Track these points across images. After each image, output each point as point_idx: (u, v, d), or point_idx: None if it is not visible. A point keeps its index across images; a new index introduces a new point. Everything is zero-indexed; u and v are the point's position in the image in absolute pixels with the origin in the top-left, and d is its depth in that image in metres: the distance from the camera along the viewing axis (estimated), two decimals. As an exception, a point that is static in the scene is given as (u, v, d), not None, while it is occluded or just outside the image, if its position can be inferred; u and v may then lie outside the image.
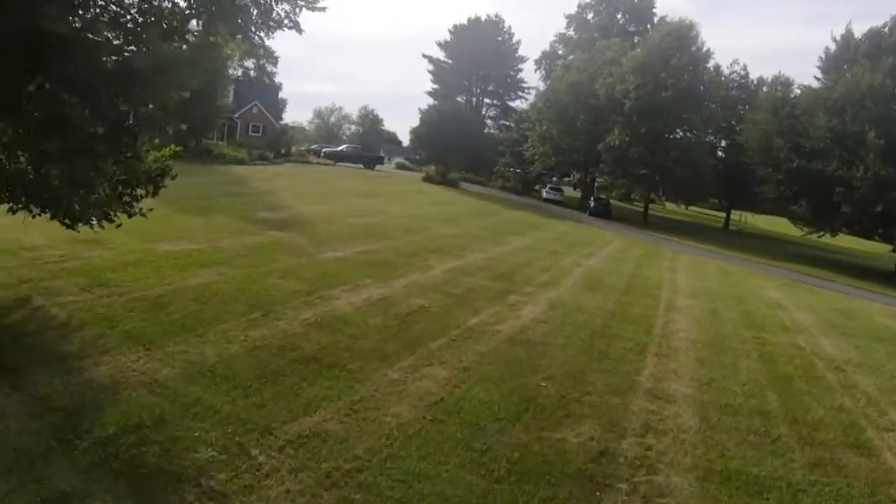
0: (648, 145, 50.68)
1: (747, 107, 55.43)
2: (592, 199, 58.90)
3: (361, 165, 59.16)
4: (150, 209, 12.59)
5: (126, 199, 12.08)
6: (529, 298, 15.53)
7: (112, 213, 12.05)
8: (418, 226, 26.85)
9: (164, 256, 16.21)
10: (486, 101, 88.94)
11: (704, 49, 52.80)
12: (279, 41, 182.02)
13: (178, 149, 13.45)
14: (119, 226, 12.43)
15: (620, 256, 28.42)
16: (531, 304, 14.87)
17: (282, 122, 73.66)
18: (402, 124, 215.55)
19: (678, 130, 54.47)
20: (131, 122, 10.58)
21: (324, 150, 63.97)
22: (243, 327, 10.87)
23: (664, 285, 21.52)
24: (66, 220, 11.28)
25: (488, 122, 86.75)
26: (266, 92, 68.22)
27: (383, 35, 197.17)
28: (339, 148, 65.67)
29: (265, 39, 11.19)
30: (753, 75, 61.18)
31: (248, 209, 25.80)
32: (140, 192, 12.30)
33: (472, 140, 65.22)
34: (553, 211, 51.54)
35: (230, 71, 61.52)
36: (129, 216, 12.29)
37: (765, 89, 56.05)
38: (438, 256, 19.86)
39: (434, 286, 15.50)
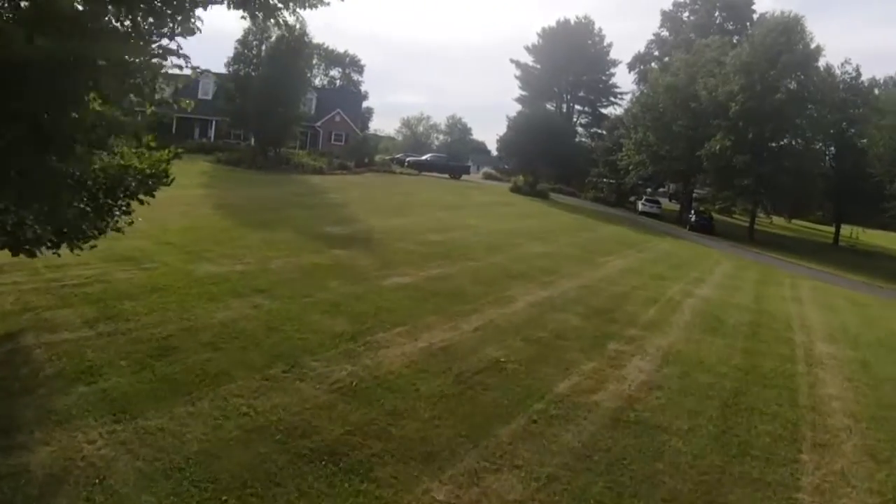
0: (755, 153, 46.01)
1: (860, 110, 50.01)
2: (693, 212, 54.34)
3: (447, 175, 56.58)
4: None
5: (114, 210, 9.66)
6: (635, 347, 12.18)
7: (91, 231, 9.59)
8: (503, 243, 23.84)
9: (200, 280, 13.85)
10: (577, 107, 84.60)
11: (814, 45, 47.46)
12: (364, 51, 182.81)
13: (178, 150, 10.89)
14: (94, 247, 10.04)
15: (734, 283, 24.53)
16: (638, 357, 11.51)
17: (366, 131, 72.23)
18: (490, 134, 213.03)
19: (786, 136, 49.40)
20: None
21: (407, 159, 61.78)
22: (252, 391, 8.14)
23: (794, 324, 17.68)
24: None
25: (579, 129, 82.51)
26: (350, 100, 66.62)
27: (472, 42, 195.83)
28: (424, 157, 63.36)
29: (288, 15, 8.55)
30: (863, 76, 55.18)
31: (315, 223, 23.47)
32: (122, 203, 9.84)
33: (563, 148, 61.77)
34: (650, 225, 47.51)
35: (313, 79, 60.50)
36: (100, 232, 9.84)
37: (876, 91, 50.56)
38: (523, 284, 16.76)
39: (514, 328, 12.41)
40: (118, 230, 10.27)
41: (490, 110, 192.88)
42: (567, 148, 63.65)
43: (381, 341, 10.45)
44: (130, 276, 14.02)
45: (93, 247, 10.26)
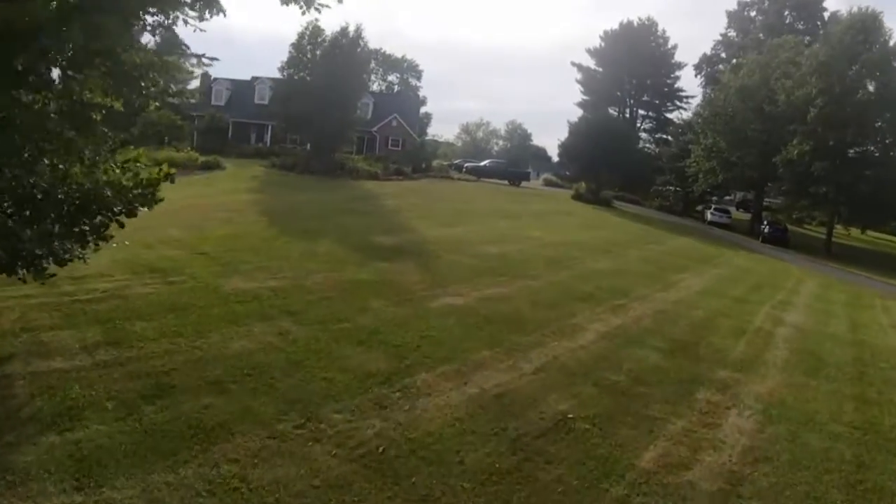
0: (834, 160, 42.60)
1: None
2: (766, 223, 50.94)
3: (506, 182, 54.64)
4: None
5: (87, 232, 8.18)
6: (729, 396, 9.96)
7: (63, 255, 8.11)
8: (565, 257, 21.81)
9: (226, 298, 12.33)
10: (641, 112, 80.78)
11: (892, 43, 43.38)
12: (424, 58, 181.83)
13: (171, 172, 9.37)
14: (53, 276, 8.57)
15: (823, 306, 21.90)
16: (735, 411, 9.29)
17: (423, 137, 70.88)
18: (550, 139, 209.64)
19: (867, 142, 45.61)
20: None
21: (466, 164, 60.05)
22: (253, 454, 6.43)
23: (903, 359, 15.25)
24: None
25: (643, 135, 79.03)
26: (407, 105, 65.12)
27: (532, 47, 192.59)
28: (482, 163, 61.49)
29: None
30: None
31: (364, 232, 21.89)
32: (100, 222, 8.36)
33: (627, 155, 59.08)
34: (720, 237, 44.61)
35: (370, 83, 59.20)
36: (61, 265, 8.36)
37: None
38: (590, 307, 14.73)
39: (583, 367, 10.39)
40: (81, 258, 8.74)
41: (550, 115, 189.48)
42: (631, 154, 60.93)
43: (422, 386, 8.60)
44: (151, 291, 12.60)
45: (51, 275, 8.73)
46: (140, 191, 8.53)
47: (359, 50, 43.23)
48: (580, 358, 10.80)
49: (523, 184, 56.52)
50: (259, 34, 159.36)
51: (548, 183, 65.16)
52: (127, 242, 15.40)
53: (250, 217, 23.06)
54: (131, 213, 8.94)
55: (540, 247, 23.33)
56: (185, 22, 8.81)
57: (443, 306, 13.06)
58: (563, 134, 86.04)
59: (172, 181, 9.23)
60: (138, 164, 8.84)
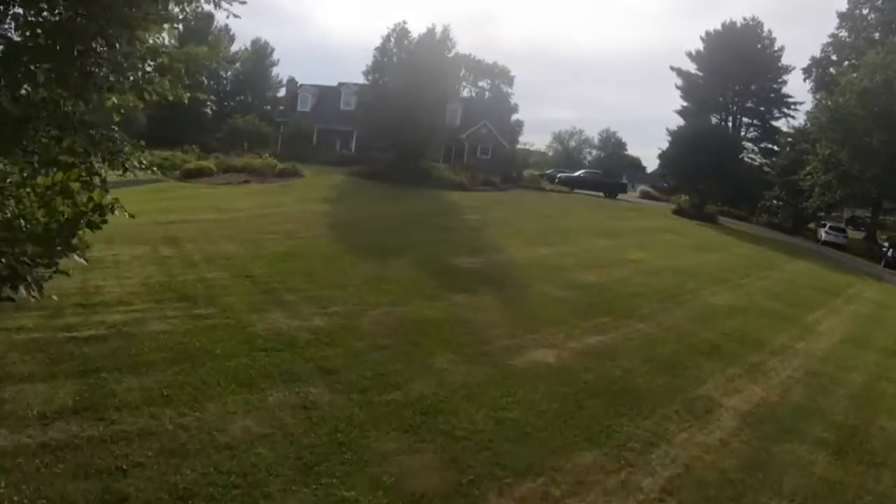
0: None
1: None
2: (889, 244, 45.07)
3: (601, 193, 50.85)
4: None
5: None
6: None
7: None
8: (677, 288, 18.26)
9: (253, 343, 9.69)
10: (745, 119, 74.54)
11: None
12: (513, 66, 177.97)
13: (114, 202, 6.73)
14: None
15: None
16: None
17: (514, 145, 67.68)
18: (645, 149, 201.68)
19: None
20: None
21: (558, 175, 56.51)
22: None
23: None
24: None
25: (746, 144, 72.70)
26: (498, 112, 61.84)
27: (626, 53, 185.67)
28: (576, 173, 57.80)
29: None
30: None
31: (444, 251, 19.02)
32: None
33: (732, 166, 54.13)
34: (838, 260, 39.41)
35: (459, 89, 56.50)
36: None
37: None
38: (720, 368, 11.24)
39: (729, 486, 7.02)
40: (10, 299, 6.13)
41: (643, 124, 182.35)
42: (736, 165, 55.91)
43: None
44: (166, 329, 10.10)
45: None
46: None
47: (447, 52, 40.57)
48: (720, 465, 7.38)
49: (619, 196, 52.64)
50: (352, 40, 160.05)
51: (644, 195, 60.86)
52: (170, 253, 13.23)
53: (317, 230, 20.58)
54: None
55: (645, 274, 19.82)
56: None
57: (530, 365, 9.93)
58: (658, 143, 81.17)
59: (112, 211, 6.42)
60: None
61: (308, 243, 18.27)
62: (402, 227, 22.78)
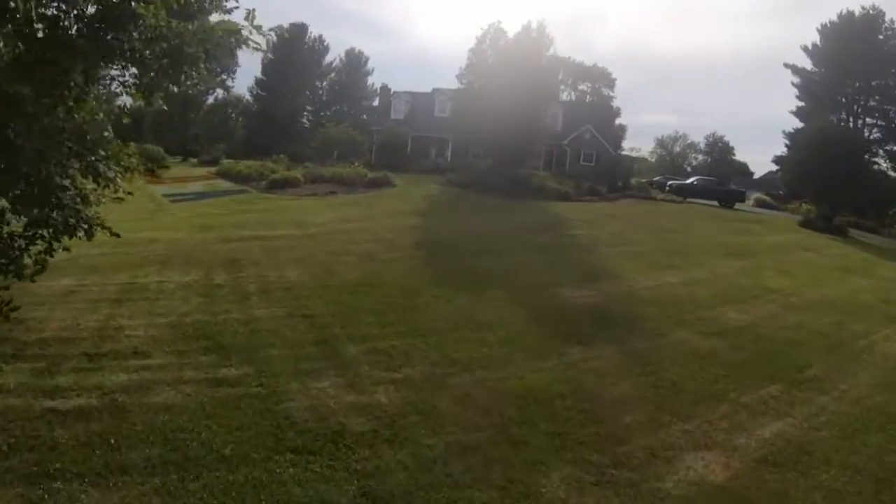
0: None
1: None
2: None
3: (716, 203, 45.77)
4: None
5: None
6: None
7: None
8: (840, 330, 13.95)
9: (279, 432, 6.78)
10: (868, 119, 65.97)
11: None
12: (616, 67, 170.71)
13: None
14: None
15: None
16: None
17: (619, 151, 63.03)
18: (753, 154, 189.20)
19: None
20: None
21: (669, 183, 51.48)
22: None
23: None
24: None
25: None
26: (601, 116, 57.18)
27: (731, 53, 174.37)
28: (689, 181, 52.54)
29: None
30: None
31: (551, 277, 15.58)
32: None
33: (862, 171, 47.60)
34: None
35: (559, 92, 52.35)
36: None
37: None
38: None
39: None
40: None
41: (750, 128, 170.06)
42: (865, 170, 49.22)
43: None
44: (174, 402, 7.46)
45: None
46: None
47: (545, 51, 36.91)
48: None
49: (735, 206, 47.32)
50: (448, 48, 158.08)
51: (759, 203, 54.86)
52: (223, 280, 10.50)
53: (401, 251, 17.50)
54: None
55: (797, 310, 15.57)
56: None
57: (690, 492, 6.36)
58: (765, 148, 74.24)
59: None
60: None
61: (388, 268, 15.19)
62: (500, 245, 19.40)
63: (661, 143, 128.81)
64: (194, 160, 57.03)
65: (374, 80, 75.49)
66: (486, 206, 28.67)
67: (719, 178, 61.04)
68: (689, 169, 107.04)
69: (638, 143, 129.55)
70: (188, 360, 8.81)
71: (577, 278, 15.92)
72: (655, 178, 62.04)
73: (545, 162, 47.21)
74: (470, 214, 25.91)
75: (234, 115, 73.93)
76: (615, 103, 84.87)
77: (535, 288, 14.39)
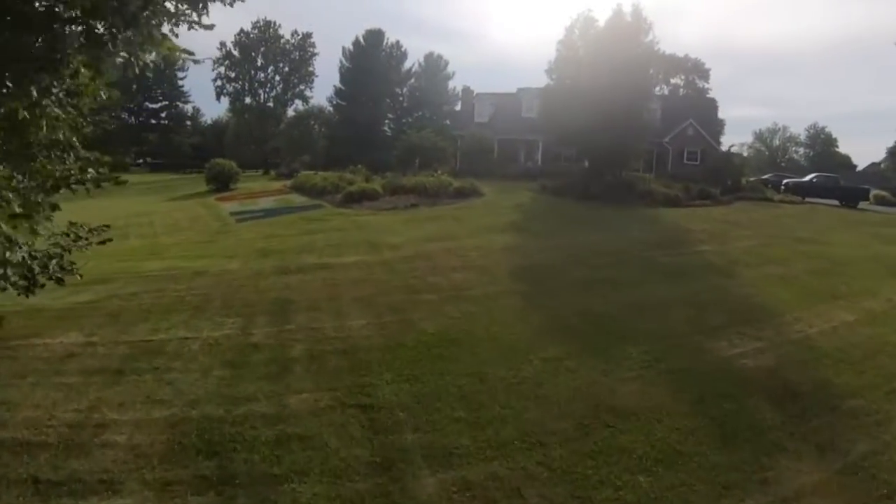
0: None
1: None
2: None
3: (836, 202, 39.88)
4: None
5: None
6: None
7: None
8: None
9: None
10: None
11: None
12: (708, 58, 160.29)
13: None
14: None
15: None
16: None
17: (723, 148, 57.15)
18: (854, 146, 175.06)
19: None
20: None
21: (785, 181, 45.50)
22: None
23: None
24: None
25: None
26: (702, 110, 51.49)
27: (818, 43, 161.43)
28: (807, 178, 46.40)
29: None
30: None
31: (693, 323, 11.45)
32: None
33: None
34: None
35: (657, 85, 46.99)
36: None
37: None
38: None
39: None
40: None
41: (852, 118, 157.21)
42: None
43: None
44: None
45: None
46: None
47: (642, 37, 32.19)
48: None
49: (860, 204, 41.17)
50: (527, 51, 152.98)
51: (880, 201, 48.09)
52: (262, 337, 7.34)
53: (496, 282, 13.72)
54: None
55: None
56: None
57: None
58: (872, 138, 66.46)
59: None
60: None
61: (480, 311, 11.44)
62: (617, 271, 15.34)
63: (759, 136, 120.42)
64: (273, 173, 55.10)
65: (455, 84, 72.04)
66: (587, 216, 24.56)
67: (824, 171, 54.44)
68: (782, 164, 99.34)
69: (731, 138, 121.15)
70: (171, 501, 5.42)
71: (729, 319, 11.73)
72: (765, 176, 55.93)
73: (646, 163, 42.44)
74: (571, 228, 21.84)
75: (315, 126, 72.12)
76: (709, 96, 77.96)
77: (677, 340, 10.34)
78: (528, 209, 25.83)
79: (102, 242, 7.60)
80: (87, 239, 8.07)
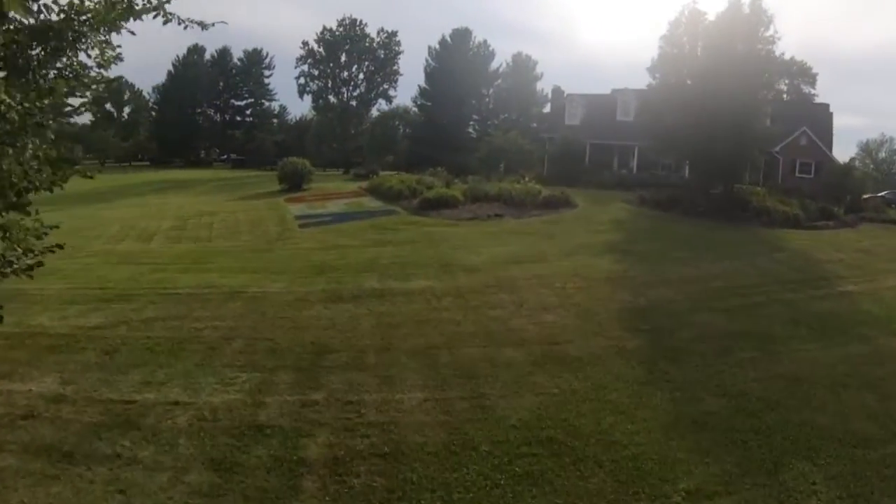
0: None
1: None
2: None
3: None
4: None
5: None
6: None
7: None
8: None
9: None
10: None
11: None
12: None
13: None
14: None
15: None
16: None
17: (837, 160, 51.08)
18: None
19: None
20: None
21: (915, 200, 39.94)
22: None
23: None
24: None
25: None
26: (815, 117, 45.70)
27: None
28: (938, 198, 40.68)
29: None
30: None
31: (865, 415, 7.78)
32: None
33: None
34: None
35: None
36: None
37: None
38: None
39: None
40: None
41: None
42: None
43: None
44: None
45: None
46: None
47: (762, 30, 27.61)
48: None
49: None
50: (617, 55, 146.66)
51: None
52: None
53: (603, 332, 10.20)
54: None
55: None
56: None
57: None
58: None
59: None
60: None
61: (584, 389, 7.99)
62: (755, 321, 11.45)
63: (864, 147, 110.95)
64: (352, 173, 52.78)
65: (543, 86, 67.87)
66: (699, 238, 20.53)
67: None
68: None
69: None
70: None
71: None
72: (881, 194, 49.77)
73: (756, 174, 37.59)
74: (683, 252, 17.91)
75: (399, 126, 69.68)
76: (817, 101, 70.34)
77: (867, 450, 6.74)
78: (629, 226, 22.04)
79: (51, 251, 5.17)
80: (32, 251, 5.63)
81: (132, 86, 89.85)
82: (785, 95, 71.58)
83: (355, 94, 67.65)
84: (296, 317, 10.80)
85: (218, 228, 22.59)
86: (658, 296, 12.90)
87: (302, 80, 66.84)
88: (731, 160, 27.40)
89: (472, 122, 68.42)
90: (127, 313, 11.48)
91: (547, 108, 64.15)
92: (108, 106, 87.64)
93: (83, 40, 5.32)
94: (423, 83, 67.67)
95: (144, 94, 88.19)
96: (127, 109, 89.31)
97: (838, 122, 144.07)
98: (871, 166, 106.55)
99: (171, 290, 13.30)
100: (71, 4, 5.14)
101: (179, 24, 5.55)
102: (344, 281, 13.43)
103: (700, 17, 28.90)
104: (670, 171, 36.94)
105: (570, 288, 12.94)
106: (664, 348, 9.65)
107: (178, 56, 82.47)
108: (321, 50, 66.27)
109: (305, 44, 66.48)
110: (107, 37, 5.41)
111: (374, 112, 71.46)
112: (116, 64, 5.71)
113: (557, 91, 47.10)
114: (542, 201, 24.83)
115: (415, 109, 70.84)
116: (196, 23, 5.66)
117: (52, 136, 5.42)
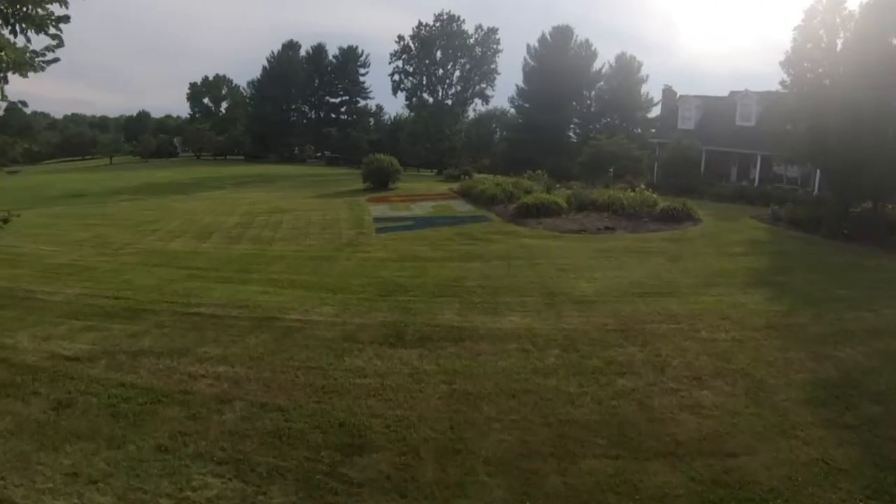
0: None
1: None
2: None
3: None
4: None
5: None
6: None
7: None
8: None
9: None
10: None
11: None
12: None
13: None
14: None
15: None
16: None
17: None
18: None
19: None
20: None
21: None
22: None
23: None
24: None
25: None
26: None
27: None
28: None
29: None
30: None
31: None
32: None
33: None
34: None
35: None
36: None
37: None
38: None
39: None
40: None
41: None
42: None
43: None
44: None
45: None
46: None
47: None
48: None
49: None
50: (720, 57, 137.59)
51: None
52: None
53: (792, 431, 6.27)
54: None
55: None
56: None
57: None
58: None
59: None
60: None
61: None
62: None
63: None
64: (444, 174, 49.50)
65: (648, 90, 62.27)
66: (857, 268, 15.68)
67: None
68: None
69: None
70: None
71: None
72: None
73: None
74: (848, 289, 13.25)
75: (496, 127, 65.90)
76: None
77: None
78: (769, 249, 17.52)
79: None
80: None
81: (229, 81, 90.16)
82: None
83: (451, 92, 64.03)
84: (332, 369, 7.43)
85: (285, 229, 19.62)
86: (848, 359, 8.67)
87: (396, 77, 63.87)
88: (879, 175, 22.20)
89: (572, 126, 63.83)
90: (120, 340, 8.49)
91: (653, 113, 58.87)
92: (205, 100, 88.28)
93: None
94: (520, 83, 63.55)
95: (241, 89, 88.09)
96: (224, 104, 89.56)
97: None
98: None
99: (194, 306, 10.24)
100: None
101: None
102: (414, 309, 9.97)
103: (840, 6, 23.74)
104: (796, 185, 31.71)
105: (723, 341, 8.95)
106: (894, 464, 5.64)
107: (272, 52, 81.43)
108: (416, 45, 63.09)
109: (401, 38, 63.35)
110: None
111: (471, 112, 67.86)
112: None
113: (669, 92, 42.02)
114: (660, 214, 20.55)
115: (512, 110, 66.85)
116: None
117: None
